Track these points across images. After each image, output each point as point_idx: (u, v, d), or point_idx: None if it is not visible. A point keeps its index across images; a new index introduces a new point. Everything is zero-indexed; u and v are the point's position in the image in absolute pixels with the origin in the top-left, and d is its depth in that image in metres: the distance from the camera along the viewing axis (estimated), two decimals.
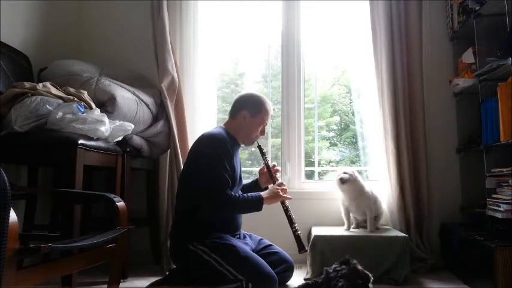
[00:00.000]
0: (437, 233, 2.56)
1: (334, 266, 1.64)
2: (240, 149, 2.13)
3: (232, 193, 1.85)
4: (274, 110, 3.02)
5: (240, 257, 1.76)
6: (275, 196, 1.95)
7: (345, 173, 2.28)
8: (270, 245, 2.07)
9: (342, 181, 2.26)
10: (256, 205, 1.89)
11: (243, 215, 2.04)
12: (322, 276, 1.63)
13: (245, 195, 1.90)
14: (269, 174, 2.07)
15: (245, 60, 3.25)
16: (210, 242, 1.78)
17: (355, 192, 2.30)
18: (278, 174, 2.10)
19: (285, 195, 1.98)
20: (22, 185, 2.27)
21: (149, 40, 2.67)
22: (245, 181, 2.21)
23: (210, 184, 1.81)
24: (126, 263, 2.17)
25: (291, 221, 1.95)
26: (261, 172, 2.15)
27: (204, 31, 2.78)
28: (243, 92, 2.16)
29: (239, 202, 1.86)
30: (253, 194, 1.93)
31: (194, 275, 1.81)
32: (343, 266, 1.60)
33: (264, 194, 1.94)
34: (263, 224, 2.48)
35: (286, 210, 1.97)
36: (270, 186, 2.06)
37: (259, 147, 2.08)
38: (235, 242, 1.85)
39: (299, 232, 1.93)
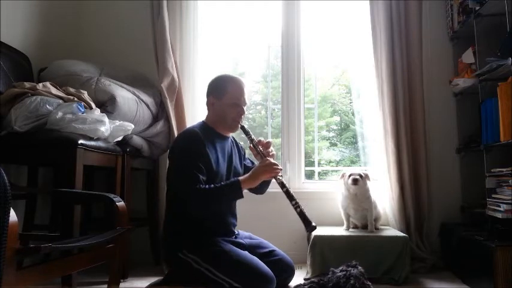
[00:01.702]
0: (437, 233, 2.56)
1: (341, 267, 1.67)
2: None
3: (202, 186, 1.68)
4: (274, 110, 3.04)
5: (233, 262, 1.68)
6: (259, 174, 1.76)
7: (360, 175, 2.27)
8: (273, 250, 1.93)
9: (355, 182, 2.25)
10: (232, 191, 1.73)
11: (237, 214, 1.95)
12: (328, 276, 1.65)
13: (219, 184, 1.74)
14: (256, 151, 1.88)
15: (245, 60, 3.25)
16: (201, 251, 1.70)
17: (361, 196, 2.30)
18: (271, 150, 1.90)
19: (272, 170, 1.76)
20: (22, 185, 2.27)
21: (149, 40, 2.67)
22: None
23: (180, 183, 1.73)
24: (126, 263, 2.17)
25: (289, 197, 1.75)
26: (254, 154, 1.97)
27: (204, 31, 2.79)
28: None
29: (212, 192, 1.69)
30: (229, 180, 1.79)
31: (188, 281, 1.73)
32: (351, 268, 1.63)
33: (243, 177, 1.78)
34: (262, 224, 2.48)
35: (281, 185, 1.77)
36: None
37: (242, 127, 1.89)
38: (227, 246, 1.74)
39: (302, 208, 1.73)
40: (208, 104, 1.91)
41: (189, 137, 1.81)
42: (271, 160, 1.82)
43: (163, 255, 1.93)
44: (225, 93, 1.86)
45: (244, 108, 1.91)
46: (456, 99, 2.67)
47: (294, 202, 1.75)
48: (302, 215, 1.73)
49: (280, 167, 1.81)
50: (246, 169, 2.00)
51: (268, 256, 1.87)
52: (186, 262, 1.70)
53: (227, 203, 1.85)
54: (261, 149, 1.88)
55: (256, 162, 1.93)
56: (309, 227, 1.72)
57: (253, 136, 1.90)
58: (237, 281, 1.65)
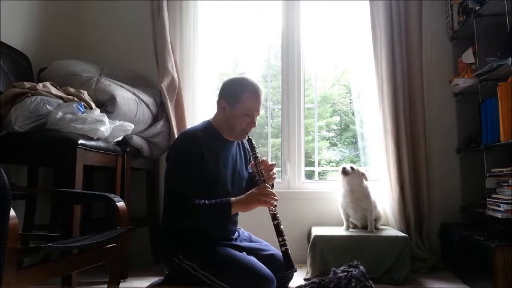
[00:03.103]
0: (437, 233, 2.57)
1: (342, 267, 1.66)
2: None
3: (194, 201, 1.60)
4: (274, 110, 3.04)
5: (231, 268, 1.62)
6: (251, 202, 1.64)
7: (351, 167, 2.29)
8: (272, 254, 1.84)
9: (345, 172, 2.27)
10: (221, 212, 1.63)
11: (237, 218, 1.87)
12: (330, 276, 1.65)
13: (210, 202, 1.63)
14: (256, 172, 1.74)
15: (245, 60, 3.25)
16: (198, 258, 1.64)
17: (358, 193, 2.30)
18: (274, 172, 1.80)
19: (267, 200, 1.65)
20: (22, 185, 2.27)
21: (149, 40, 2.68)
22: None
23: (171, 191, 1.66)
24: (126, 263, 2.17)
25: (278, 232, 1.65)
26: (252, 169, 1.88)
27: (204, 31, 2.79)
28: (228, 77, 1.85)
29: (201, 211, 1.61)
30: (221, 200, 1.65)
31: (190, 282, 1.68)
32: (352, 269, 1.62)
33: (236, 198, 1.66)
34: (262, 223, 2.48)
35: (272, 217, 1.67)
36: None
37: (250, 140, 1.78)
38: (224, 250, 1.67)
39: (288, 247, 1.64)
40: (218, 106, 1.78)
41: (187, 141, 1.70)
42: (269, 188, 1.69)
43: (161, 257, 1.89)
44: (239, 101, 1.71)
45: (256, 118, 1.78)
46: (456, 99, 2.67)
47: (281, 239, 1.65)
48: (286, 256, 1.64)
49: (276, 198, 1.68)
50: (248, 176, 1.93)
51: (268, 260, 1.79)
52: (183, 267, 1.65)
53: (212, 222, 1.70)
54: (262, 171, 1.74)
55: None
56: (290, 270, 1.64)
57: (258, 154, 1.77)
58: (237, 287, 1.61)
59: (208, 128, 1.78)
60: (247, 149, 1.90)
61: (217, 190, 1.72)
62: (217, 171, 1.73)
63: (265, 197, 1.65)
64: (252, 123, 1.75)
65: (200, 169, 1.66)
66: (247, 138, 1.80)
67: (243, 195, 1.69)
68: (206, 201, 1.63)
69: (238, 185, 1.86)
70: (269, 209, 1.69)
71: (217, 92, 1.84)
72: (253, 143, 1.78)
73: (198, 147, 1.66)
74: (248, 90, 1.72)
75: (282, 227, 1.67)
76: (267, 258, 1.80)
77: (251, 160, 1.82)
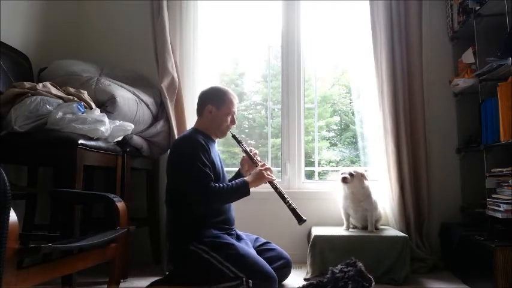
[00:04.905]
0: (437, 233, 2.57)
1: (340, 266, 1.65)
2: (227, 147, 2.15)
3: (217, 185, 1.86)
4: (274, 110, 3.05)
5: (239, 255, 1.78)
6: (260, 177, 1.97)
7: (350, 173, 2.27)
8: (267, 242, 2.09)
9: (344, 180, 2.26)
10: (242, 190, 1.92)
11: (238, 215, 2.05)
12: (328, 276, 1.64)
13: (229, 183, 1.93)
14: (250, 159, 2.10)
15: (245, 60, 3.25)
16: (210, 242, 1.81)
17: (359, 194, 2.29)
18: (258, 158, 2.12)
19: (270, 175, 2.00)
20: (22, 185, 2.27)
21: (149, 40, 2.68)
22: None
23: (192, 182, 1.83)
24: (126, 263, 2.17)
25: (283, 197, 1.97)
26: (242, 163, 2.17)
27: (204, 31, 2.79)
28: (204, 88, 2.15)
29: (225, 192, 1.88)
30: (237, 180, 1.96)
31: (193, 275, 1.81)
32: (350, 268, 1.61)
33: (248, 178, 1.98)
34: (262, 224, 2.49)
35: (275, 188, 2.00)
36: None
37: (234, 136, 2.11)
38: (234, 241, 1.88)
39: (294, 205, 1.95)
40: (204, 111, 2.03)
41: (192, 139, 1.92)
42: (268, 165, 2.05)
43: (169, 251, 1.97)
44: (223, 103, 2.02)
45: (235, 117, 2.09)
46: (456, 99, 2.67)
47: (287, 200, 1.97)
48: (294, 212, 1.94)
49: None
50: None
51: (262, 246, 2.04)
52: (195, 253, 1.78)
53: (235, 200, 1.98)
54: (257, 157, 2.10)
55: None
56: (301, 220, 1.93)
57: (245, 145, 2.13)
58: (243, 272, 1.73)
59: (198, 132, 2.01)
60: None
61: (219, 181, 1.93)
62: (219, 167, 1.97)
63: (268, 175, 1.99)
64: (233, 121, 2.08)
65: (208, 160, 1.88)
66: (231, 135, 2.11)
67: (250, 175, 2.01)
68: (224, 184, 1.90)
69: (226, 178, 2.08)
70: (271, 182, 2.00)
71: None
72: (238, 137, 2.13)
73: (203, 143, 1.91)
74: (228, 93, 2.06)
75: (283, 191, 1.99)
76: (266, 251, 2.00)
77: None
